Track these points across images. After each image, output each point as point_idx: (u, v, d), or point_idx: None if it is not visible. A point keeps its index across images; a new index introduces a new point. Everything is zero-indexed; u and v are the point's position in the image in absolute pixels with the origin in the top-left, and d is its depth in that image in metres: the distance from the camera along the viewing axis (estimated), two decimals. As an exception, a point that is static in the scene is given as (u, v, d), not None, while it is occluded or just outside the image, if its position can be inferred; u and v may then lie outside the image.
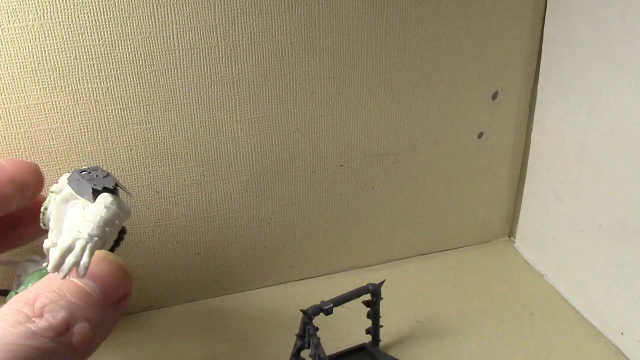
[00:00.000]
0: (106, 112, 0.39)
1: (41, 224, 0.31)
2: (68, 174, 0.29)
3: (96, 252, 0.25)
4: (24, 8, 0.35)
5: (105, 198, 0.27)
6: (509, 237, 0.56)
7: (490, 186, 0.53)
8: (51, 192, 0.30)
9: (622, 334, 0.42)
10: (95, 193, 0.27)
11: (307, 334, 0.37)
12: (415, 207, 0.51)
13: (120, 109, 0.39)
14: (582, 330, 0.44)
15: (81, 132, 0.39)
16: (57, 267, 0.24)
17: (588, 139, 0.43)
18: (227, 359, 0.42)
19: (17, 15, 0.35)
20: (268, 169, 0.45)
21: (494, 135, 0.50)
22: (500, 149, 0.51)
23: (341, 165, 0.47)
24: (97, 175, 0.29)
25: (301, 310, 0.37)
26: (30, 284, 0.28)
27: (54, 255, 0.24)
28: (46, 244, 0.30)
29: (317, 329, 0.38)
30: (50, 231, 0.30)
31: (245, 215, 0.46)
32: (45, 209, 0.30)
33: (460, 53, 0.45)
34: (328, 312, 0.37)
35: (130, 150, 0.41)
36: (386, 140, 0.47)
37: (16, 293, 0.28)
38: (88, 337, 0.22)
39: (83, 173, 0.29)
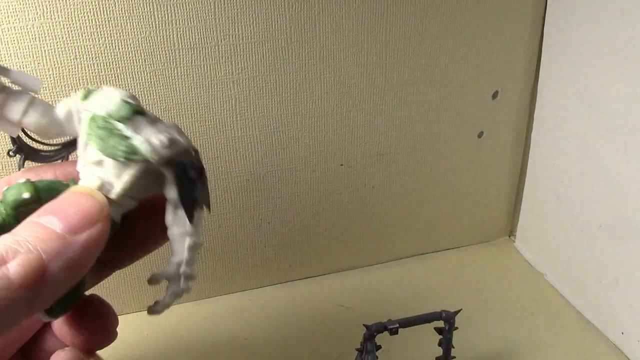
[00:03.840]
0: (106, 112, 0.39)
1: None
2: (124, 99, 0.24)
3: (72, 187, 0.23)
4: (24, 8, 0.35)
5: (200, 230, 0.25)
6: (509, 236, 0.56)
7: (490, 186, 0.53)
8: (149, 157, 0.23)
9: (622, 333, 0.42)
10: (195, 210, 0.25)
11: (364, 351, 0.36)
12: (415, 207, 0.51)
13: (120, 108, 0.39)
14: (582, 330, 0.44)
15: (81, 132, 0.39)
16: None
17: (588, 138, 0.43)
18: (227, 359, 0.42)
19: (17, 15, 0.35)
20: (268, 169, 0.45)
21: (494, 134, 0.50)
22: (500, 148, 0.51)
23: (341, 165, 0.47)
24: (199, 175, 0.25)
25: (364, 325, 0.36)
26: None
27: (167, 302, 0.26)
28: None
29: (379, 347, 0.36)
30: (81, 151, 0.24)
31: (245, 215, 0.46)
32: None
33: (460, 53, 0.45)
34: (393, 332, 0.35)
35: (130, 150, 0.41)
36: (386, 140, 0.47)
37: None
38: (31, 267, 0.20)
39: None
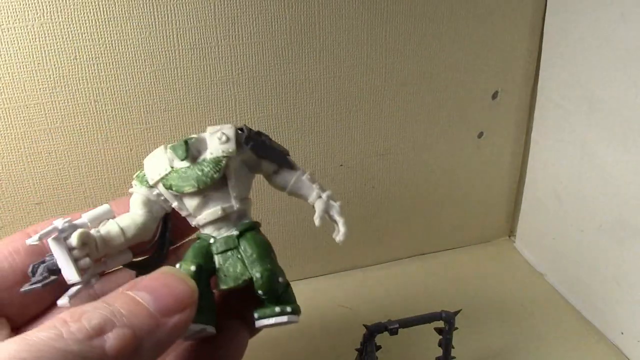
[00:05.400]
0: (106, 112, 0.39)
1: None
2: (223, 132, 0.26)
3: (163, 268, 0.25)
4: (24, 8, 0.35)
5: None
6: (509, 237, 0.56)
7: (490, 186, 0.53)
8: (228, 153, 0.26)
9: (622, 333, 0.42)
10: (287, 159, 0.28)
11: (364, 351, 0.36)
12: (415, 207, 0.51)
13: (120, 109, 0.39)
14: (582, 330, 0.44)
15: (81, 132, 0.39)
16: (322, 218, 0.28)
17: (588, 139, 0.43)
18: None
19: (17, 15, 0.35)
20: (268, 169, 0.45)
21: (494, 135, 0.50)
22: (500, 149, 0.51)
23: (341, 165, 0.47)
24: (264, 135, 0.28)
25: (364, 325, 0.35)
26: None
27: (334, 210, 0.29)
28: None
29: (379, 347, 0.36)
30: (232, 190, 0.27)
31: (245, 215, 0.46)
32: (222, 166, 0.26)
33: (460, 53, 0.45)
34: (393, 332, 0.35)
35: (130, 150, 0.41)
36: (386, 140, 0.47)
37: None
38: (126, 343, 0.21)
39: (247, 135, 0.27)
